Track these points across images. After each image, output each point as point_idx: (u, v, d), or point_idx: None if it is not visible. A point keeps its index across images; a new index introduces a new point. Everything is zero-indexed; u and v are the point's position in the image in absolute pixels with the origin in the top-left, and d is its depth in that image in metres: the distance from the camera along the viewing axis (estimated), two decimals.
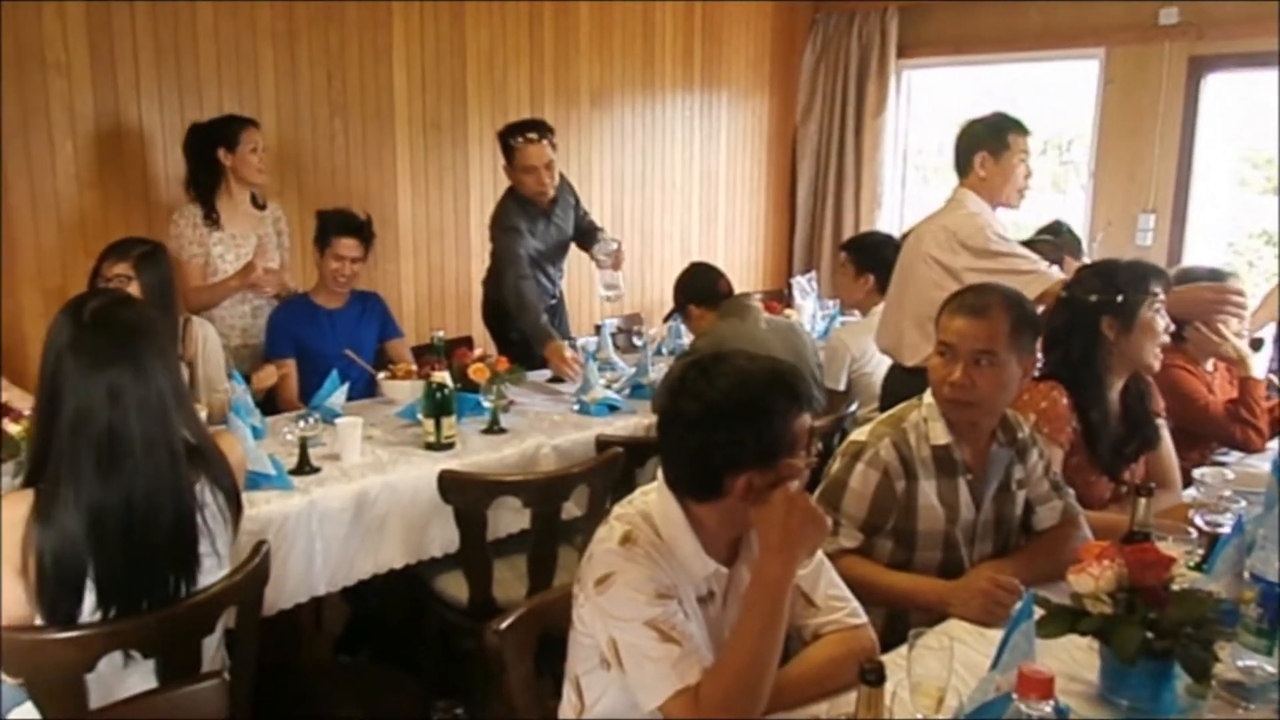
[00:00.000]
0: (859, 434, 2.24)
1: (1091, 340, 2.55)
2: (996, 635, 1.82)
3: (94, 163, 4.02)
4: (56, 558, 1.79)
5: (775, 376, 1.66)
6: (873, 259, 4.04)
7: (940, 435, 2.18)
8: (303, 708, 2.83)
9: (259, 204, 3.89)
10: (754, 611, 1.62)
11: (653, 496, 1.75)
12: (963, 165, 3.32)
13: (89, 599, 1.83)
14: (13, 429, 2.56)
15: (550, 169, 4.02)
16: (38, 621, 1.84)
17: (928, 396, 2.23)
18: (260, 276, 3.69)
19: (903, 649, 1.82)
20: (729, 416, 1.62)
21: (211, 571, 2.00)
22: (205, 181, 3.73)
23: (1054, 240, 4.23)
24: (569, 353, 3.80)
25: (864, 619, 1.83)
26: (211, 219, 3.71)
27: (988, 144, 3.26)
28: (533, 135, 3.96)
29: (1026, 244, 4.17)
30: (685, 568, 1.70)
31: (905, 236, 4.03)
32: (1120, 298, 2.52)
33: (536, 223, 4.18)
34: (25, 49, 3.80)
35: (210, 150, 3.72)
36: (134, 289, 2.95)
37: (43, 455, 1.84)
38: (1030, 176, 3.35)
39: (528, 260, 4.07)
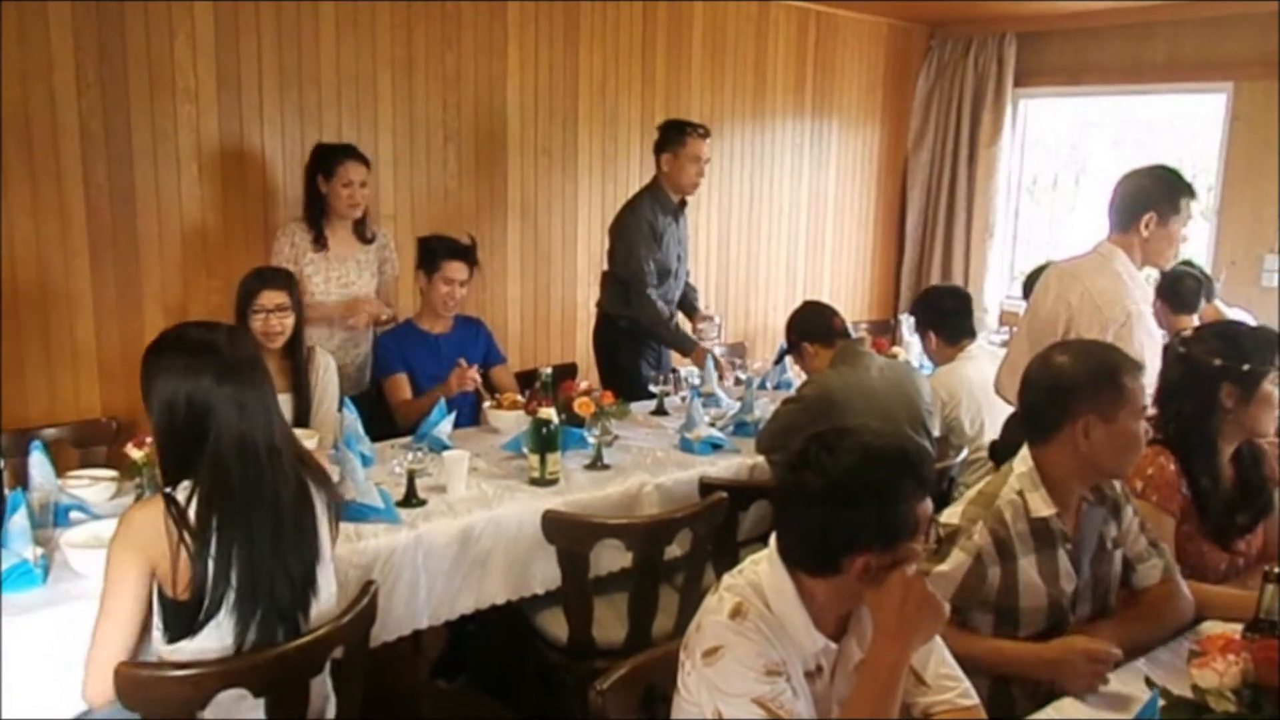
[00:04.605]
0: (951, 515, 2.15)
1: (1207, 405, 2.40)
2: None
3: (217, 185, 4.14)
4: (212, 569, 1.89)
5: (901, 457, 1.62)
6: (927, 315, 4.12)
7: (1043, 506, 2.11)
8: None
9: (366, 238, 3.93)
10: (864, 698, 1.60)
11: (763, 567, 1.73)
12: (1124, 220, 3.10)
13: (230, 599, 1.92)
14: (136, 454, 2.66)
15: (706, 164, 4.44)
16: (157, 629, 1.93)
17: (1018, 465, 2.16)
18: (358, 318, 3.79)
19: None
20: (853, 495, 1.59)
21: (322, 572, 2.09)
22: (313, 203, 3.81)
23: (1198, 275, 4.30)
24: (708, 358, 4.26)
25: (975, 700, 1.79)
26: (319, 241, 3.78)
27: (1160, 205, 3.04)
28: (702, 131, 4.37)
29: (1170, 273, 4.12)
30: (795, 642, 1.67)
31: (1034, 275, 3.93)
32: (1246, 366, 2.37)
33: (670, 221, 4.38)
34: (158, 76, 3.94)
35: (313, 175, 3.80)
36: (290, 320, 3.21)
37: (178, 474, 1.95)
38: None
39: (656, 273, 4.31)
